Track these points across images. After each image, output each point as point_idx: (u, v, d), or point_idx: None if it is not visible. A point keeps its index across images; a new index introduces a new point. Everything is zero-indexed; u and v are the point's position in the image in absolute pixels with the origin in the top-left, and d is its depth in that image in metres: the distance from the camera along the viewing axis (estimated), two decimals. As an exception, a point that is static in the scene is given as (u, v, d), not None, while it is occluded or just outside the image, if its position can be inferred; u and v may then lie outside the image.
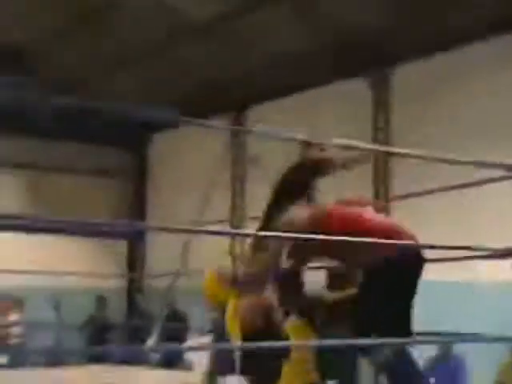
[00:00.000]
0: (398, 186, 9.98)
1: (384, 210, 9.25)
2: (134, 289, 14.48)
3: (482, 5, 8.68)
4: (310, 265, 4.58)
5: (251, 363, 4.29)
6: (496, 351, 7.70)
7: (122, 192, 14.68)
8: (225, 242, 11.92)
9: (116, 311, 13.80)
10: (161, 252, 13.31)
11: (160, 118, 6.40)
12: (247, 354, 4.32)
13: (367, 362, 4.45)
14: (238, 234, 11.18)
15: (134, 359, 11.36)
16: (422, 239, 4.21)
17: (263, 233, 4.33)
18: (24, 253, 12.54)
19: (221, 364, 5.87)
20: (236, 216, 12.49)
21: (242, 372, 4.38)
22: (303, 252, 4.35)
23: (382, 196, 10.02)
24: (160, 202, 14.09)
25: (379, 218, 4.42)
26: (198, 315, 10.38)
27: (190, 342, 10.46)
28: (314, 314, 4.61)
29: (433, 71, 9.83)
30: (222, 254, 11.55)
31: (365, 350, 4.21)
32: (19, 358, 11.62)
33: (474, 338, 7.28)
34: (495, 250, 4.91)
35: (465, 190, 7.48)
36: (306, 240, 4.09)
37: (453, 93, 9.65)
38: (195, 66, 10.73)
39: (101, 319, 13.34)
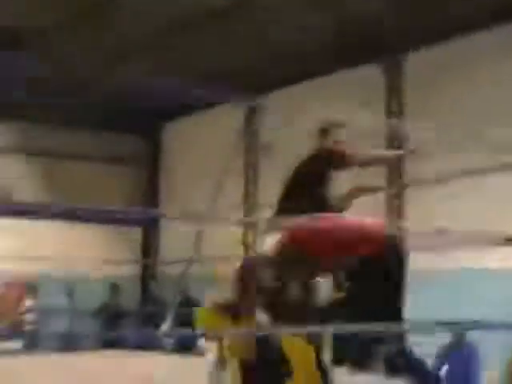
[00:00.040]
0: (410, 173, 9.95)
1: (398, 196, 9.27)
2: (147, 275, 14.54)
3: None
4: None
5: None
6: (509, 338, 7.68)
7: (135, 179, 14.74)
8: (238, 228, 11.96)
9: (130, 298, 13.87)
10: (174, 239, 13.35)
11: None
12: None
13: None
14: (251, 223, 11.20)
15: (149, 344, 11.46)
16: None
17: (275, 218, 4.37)
18: (39, 240, 12.62)
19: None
20: (249, 203, 12.51)
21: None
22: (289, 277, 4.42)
23: (396, 182, 9.99)
24: (173, 189, 14.11)
25: (344, 218, 4.42)
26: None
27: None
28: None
29: (441, 59, 9.89)
30: (234, 241, 11.59)
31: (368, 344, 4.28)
32: (34, 343, 11.73)
33: (487, 325, 7.26)
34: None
35: (481, 177, 7.45)
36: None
37: (456, 82, 9.74)
38: (196, 57, 10.69)
39: (114, 306, 13.42)
